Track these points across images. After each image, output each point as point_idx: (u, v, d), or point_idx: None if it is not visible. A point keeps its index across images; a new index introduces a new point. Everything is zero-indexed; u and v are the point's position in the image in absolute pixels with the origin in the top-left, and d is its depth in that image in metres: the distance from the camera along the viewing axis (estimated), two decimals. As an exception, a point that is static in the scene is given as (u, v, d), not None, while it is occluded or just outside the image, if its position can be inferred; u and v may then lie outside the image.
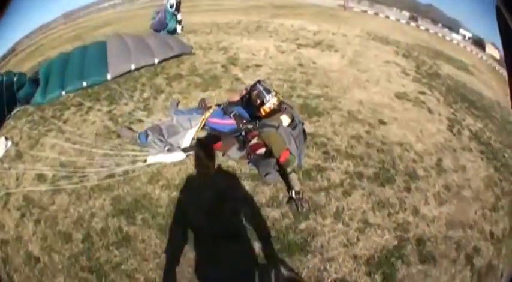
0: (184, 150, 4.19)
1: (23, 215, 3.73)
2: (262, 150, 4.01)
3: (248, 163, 4.06)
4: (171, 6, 8.12)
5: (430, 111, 5.68)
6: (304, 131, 4.17)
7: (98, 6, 10.47)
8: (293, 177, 3.66)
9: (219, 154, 4.20)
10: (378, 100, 5.74)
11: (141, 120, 4.92)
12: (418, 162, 4.37)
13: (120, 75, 6.08)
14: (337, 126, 4.82)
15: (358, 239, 3.30)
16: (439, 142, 4.85)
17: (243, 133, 4.17)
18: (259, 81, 4.20)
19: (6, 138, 4.81)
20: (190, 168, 4.07)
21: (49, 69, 6.22)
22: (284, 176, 3.79)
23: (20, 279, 3.16)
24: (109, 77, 6.00)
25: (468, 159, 4.64)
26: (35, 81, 5.94)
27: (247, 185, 3.83)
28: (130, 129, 4.69)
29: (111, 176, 4.01)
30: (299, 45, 8.00)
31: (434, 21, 10.37)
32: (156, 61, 6.48)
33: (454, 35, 9.79)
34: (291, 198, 3.58)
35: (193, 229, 3.35)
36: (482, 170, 4.51)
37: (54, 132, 4.88)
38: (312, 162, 4.13)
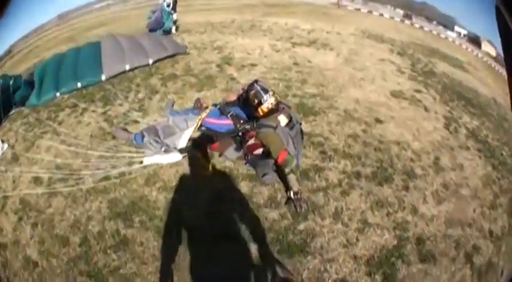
0: (181, 151, 4.14)
1: (20, 219, 3.70)
2: (259, 151, 3.97)
3: (245, 164, 4.03)
4: (168, 5, 8.09)
5: (426, 109, 5.69)
6: (301, 131, 4.14)
7: (92, 7, 10.41)
8: (291, 178, 3.64)
9: (216, 155, 4.17)
10: (374, 99, 5.73)
11: (136, 121, 4.88)
12: (416, 160, 4.37)
13: (115, 76, 6.04)
14: (333, 126, 4.81)
15: (357, 239, 3.29)
16: (436, 140, 4.85)
17: (240, 133, 4.13)
18: (256, 81, 4.13)
19: (3, 141, 4.77)
20: (187, 169, 4.04)
21: (44, 71, 6.19)
22: (282, 176, 3.76)
23: (20, 283, 3.14)
24: (103, 77, 5.96)
25: (465, 157, 4.65)
26: (30, 83, 5.90)
27: (244, 185, 3.81)
28: (126, 130, 4.65)
29: (107, 178, 3.97)
30: (294, 44, 7.96)
31: (429, 19, 10.41)
32: (151, 61, 6.44)
33: (449, 32, 9.83)
34: (289, 198, 3.57)
35: (190, 230, 3.32)
36: (480, 168, 4.53)
37: (49, 134, 4.84)
38: (309, 162, 4.12)
